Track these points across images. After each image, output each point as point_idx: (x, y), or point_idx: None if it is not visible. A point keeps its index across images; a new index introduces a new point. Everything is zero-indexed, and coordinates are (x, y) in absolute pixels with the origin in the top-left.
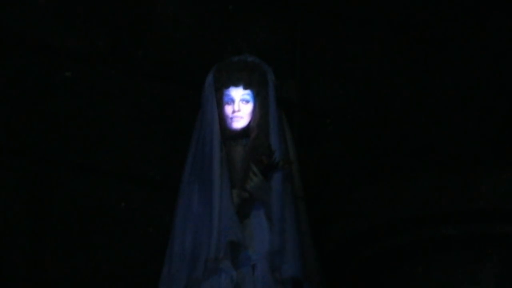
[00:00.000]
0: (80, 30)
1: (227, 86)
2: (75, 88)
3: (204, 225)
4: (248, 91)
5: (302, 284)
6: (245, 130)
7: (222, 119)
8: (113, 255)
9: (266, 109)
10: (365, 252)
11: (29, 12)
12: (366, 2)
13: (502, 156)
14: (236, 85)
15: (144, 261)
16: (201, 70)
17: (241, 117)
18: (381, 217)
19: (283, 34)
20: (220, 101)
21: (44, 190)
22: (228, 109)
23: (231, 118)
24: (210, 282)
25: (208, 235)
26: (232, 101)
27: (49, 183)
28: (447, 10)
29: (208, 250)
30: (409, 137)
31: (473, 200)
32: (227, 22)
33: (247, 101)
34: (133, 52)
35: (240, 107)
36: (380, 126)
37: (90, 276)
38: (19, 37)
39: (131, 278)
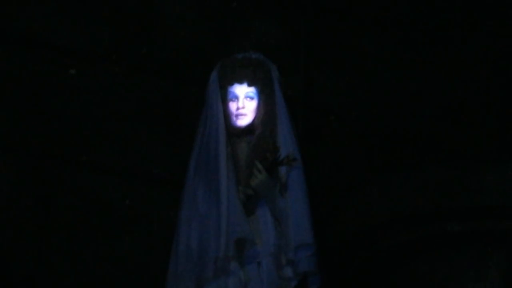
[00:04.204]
0: (85, 28)
1: (231, 83)
2: (80, 86)
3: (210, 223)
4: (252, 88)
5: (308, 279)
6: (249, 127)
7: (227, 116)
8: (118, 252)
9: (270, 106)
10: (369, 249)
11: (34, 10)
12: None
13: (507, 151)
14: (240, 82)
15: (148, 258)
16: (205, 67)
17: (245, 114)
18: (386, 214)
19: (287, 31)
20: (225, 98)
21: (49, 187)
22: (232, 106)
23: (236, 115)
24: (218, 282)
25: (217, 234)
26: (236, 98)
27: (53, 181)
28: (451, 7)
29: (217, 248)
30: (413, 133)
31: (478, 196)
32: (231, 19)
33: (251, 98)
34: (138, 50)
35: (244, 104)
36: (385, 122)
37: (94, 273)
38: (24, 35)
39: (136, 275)
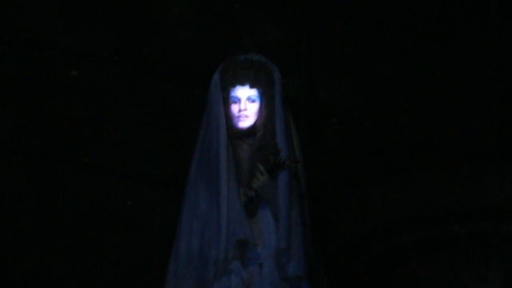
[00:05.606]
0: (87, 30)
1: (233, 85)
2: (81, 87)
3: (211, 224)
4: (254, 90)
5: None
6: (251, 129)
7: (228, 118)
8: (119, 253)
9: (272, 108)
10: (371, 251)
11: (36, 11)
12: (372, 1)
13: (508, 154)
14: (242, 84)
15: (150, 259)
16: (207, 69)
17: (247, 116)
18: (387, 216)
19: (289, 32)
20: (226, 100)
21: (50, 188)
22: (234, 108)
23: (237, 117)
24: (220, 283)
25: (217, 235)
26: (238, 100)
27: (55, 182)
28: (452, 8)
29: (217, 250)
30: (415, 136)
31: (479, 199)
32: (233, 21)
33: (253, 100)
34: (139, 52)
35: (246, 106)
36: (386, 125)
37: (96, 273)
38: (26, 36)
39: (137, 276)
